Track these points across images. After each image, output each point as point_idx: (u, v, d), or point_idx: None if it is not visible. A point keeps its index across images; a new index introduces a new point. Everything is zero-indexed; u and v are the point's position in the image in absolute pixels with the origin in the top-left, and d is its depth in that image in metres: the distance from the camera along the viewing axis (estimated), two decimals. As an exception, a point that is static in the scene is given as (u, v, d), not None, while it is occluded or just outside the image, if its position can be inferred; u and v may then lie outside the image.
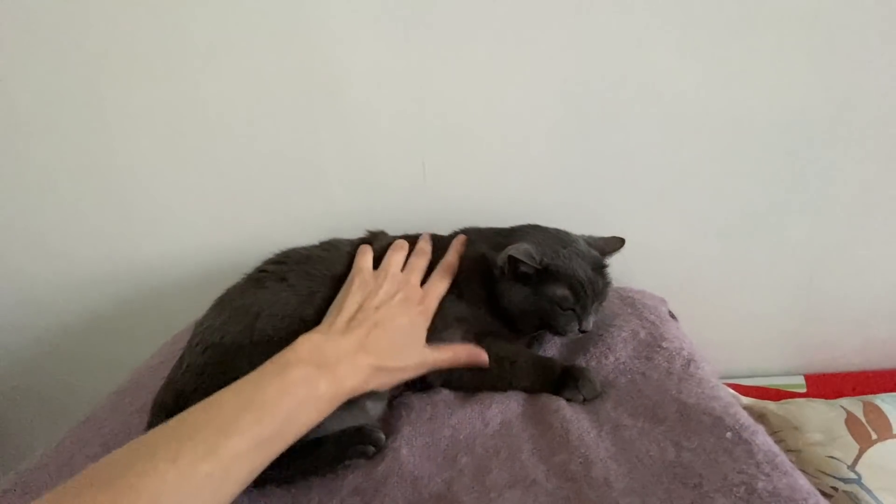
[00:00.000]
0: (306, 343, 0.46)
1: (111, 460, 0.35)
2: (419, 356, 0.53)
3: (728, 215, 0.82)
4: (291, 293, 0.56)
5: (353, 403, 0.52)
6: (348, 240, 0.65)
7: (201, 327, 0.56)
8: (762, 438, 0.44)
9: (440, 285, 0.58)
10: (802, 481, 0.40)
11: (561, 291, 0.56)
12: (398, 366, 0.51)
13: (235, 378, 0.42)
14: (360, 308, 0.53)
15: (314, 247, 0.64)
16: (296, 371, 0.44)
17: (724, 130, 0.76)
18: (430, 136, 0.77)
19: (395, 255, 0.60)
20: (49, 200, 0.82)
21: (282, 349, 0.45)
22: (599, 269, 0.60)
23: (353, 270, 0.57)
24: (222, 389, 0.41)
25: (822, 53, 0.71)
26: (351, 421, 0.50)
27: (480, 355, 0.55)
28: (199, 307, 0.61)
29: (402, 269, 0.59)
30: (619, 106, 0.75)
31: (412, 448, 0.49)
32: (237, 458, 0.37)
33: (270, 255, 0.64)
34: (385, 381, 0.50)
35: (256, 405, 0.40)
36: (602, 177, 0.80)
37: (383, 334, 0.50)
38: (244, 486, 0.39)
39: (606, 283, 0.60)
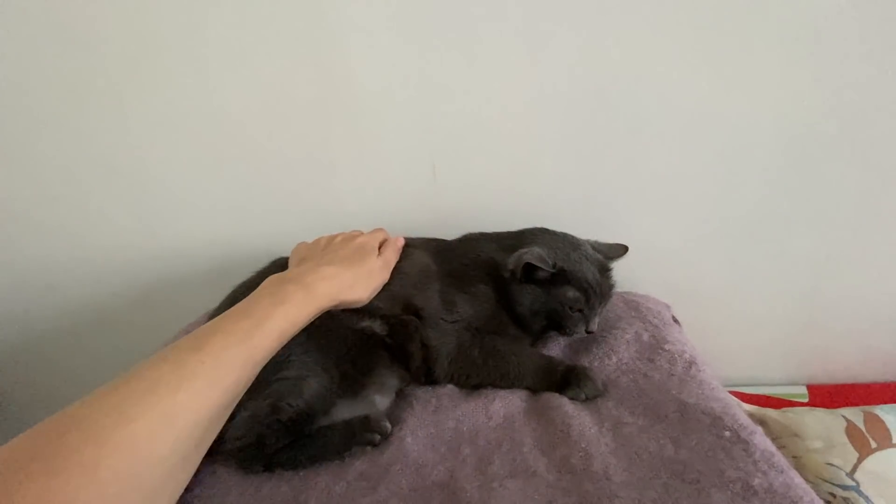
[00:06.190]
0: (266, 281, 0.51)
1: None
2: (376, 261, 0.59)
3: (732, 224, 0.82)
4: None
5: (361, 396, 0.54)
6: None
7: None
8: (760, 438, 0.46)
9: (392, 255, 0.62)
10: (798, 480, 0.41)
11: (572, 293, 0.58)
12: (363, 269, 0.56)
13: None
14: (305, 258, 0.59)
15: None
16: (263, 289, 0.49)
17: (731, 140, 0.77)
18: (441, 138, 0.78)
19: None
20: (69, 194, 0.84)
21: None
22: (605, 272, 0.62)
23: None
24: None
25: (827, 68, 0.72)
26: (359, 412, 0.52)
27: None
28: (213, 298, 0.64)
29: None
30: (627, 112, 0.76)
31: (416, 437, 0.50)
32: (224, 349, 0.41)
33: (279, 256, 0.67)
34: (359, 289, 0.55)
35: (234, 313, 0.45)
36: (610, 182, 0.81)
37: (334, 255, 0.57)
38: (242, 382, 0.42)
39: (611, 286, 0.62)
